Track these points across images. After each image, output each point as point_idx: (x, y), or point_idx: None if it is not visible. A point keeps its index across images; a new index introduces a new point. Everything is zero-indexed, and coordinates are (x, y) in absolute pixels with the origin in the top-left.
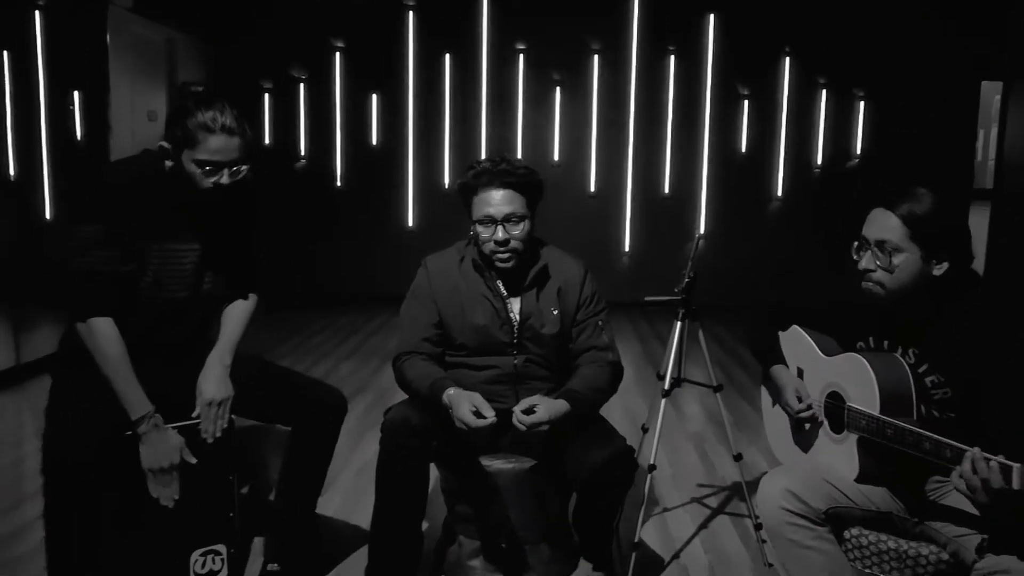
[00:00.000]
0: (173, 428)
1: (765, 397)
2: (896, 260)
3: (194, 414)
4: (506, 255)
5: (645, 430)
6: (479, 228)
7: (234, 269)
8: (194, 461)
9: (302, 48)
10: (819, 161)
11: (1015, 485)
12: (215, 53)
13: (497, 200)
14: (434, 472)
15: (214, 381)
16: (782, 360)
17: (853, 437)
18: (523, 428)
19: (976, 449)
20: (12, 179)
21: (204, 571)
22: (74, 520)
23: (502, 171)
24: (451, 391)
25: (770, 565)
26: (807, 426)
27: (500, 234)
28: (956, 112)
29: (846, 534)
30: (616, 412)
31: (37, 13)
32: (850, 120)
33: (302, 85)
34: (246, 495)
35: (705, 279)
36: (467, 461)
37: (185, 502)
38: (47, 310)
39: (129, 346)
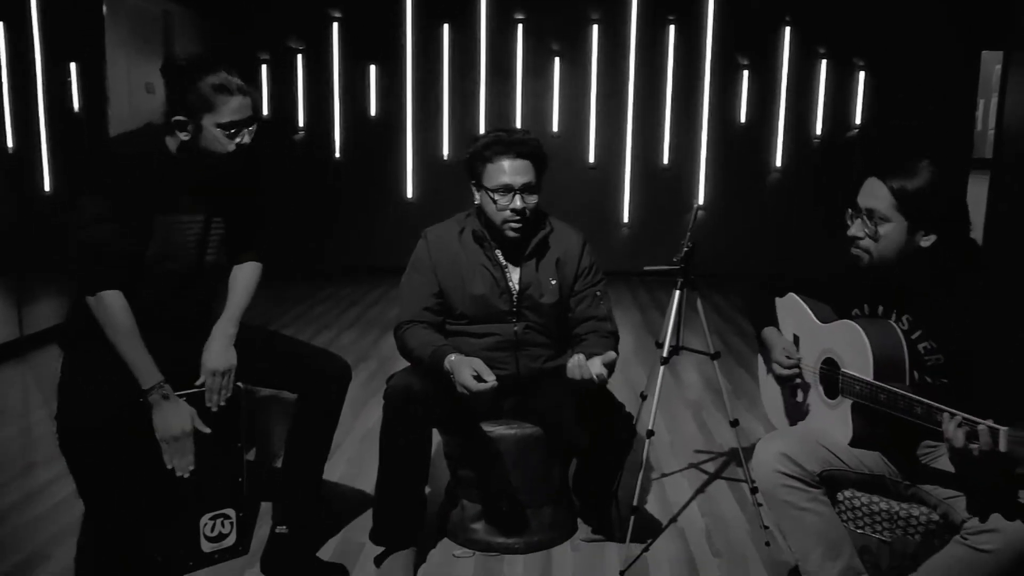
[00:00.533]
0: (181, 396)
1: (761, 365)
2: (882, 229)
3: (198, 383)
4: (518, 224)
5: (644, 397)
6: (495, 197)
7: (239, 237)
8: (207, 430)
9: (299, 19)
10: (818, 132)
11: (1002, 448)
12: (211, 25)
13: (514, 169)
14: (437, 437)
15: (217, 351)
16: (774, 322)
17: (847, 402)
18: (580, 377)
19: (963, 415)
20: (10, 151)
21: (214, 534)
22: (108, 488)
23: (517, 140)
24: (452, 357)
25: (766, 527)
26: (801, 394)
27: (518, 203)
28: (956, 82)
29: (839, 496)
30: (615, 380)
31: None
32: (850, 90)
33: (300, 56)
34: (254, 460)
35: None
36: (469, 427)
37: (195, 468)
38: (49, 282)
39: (137, 319)
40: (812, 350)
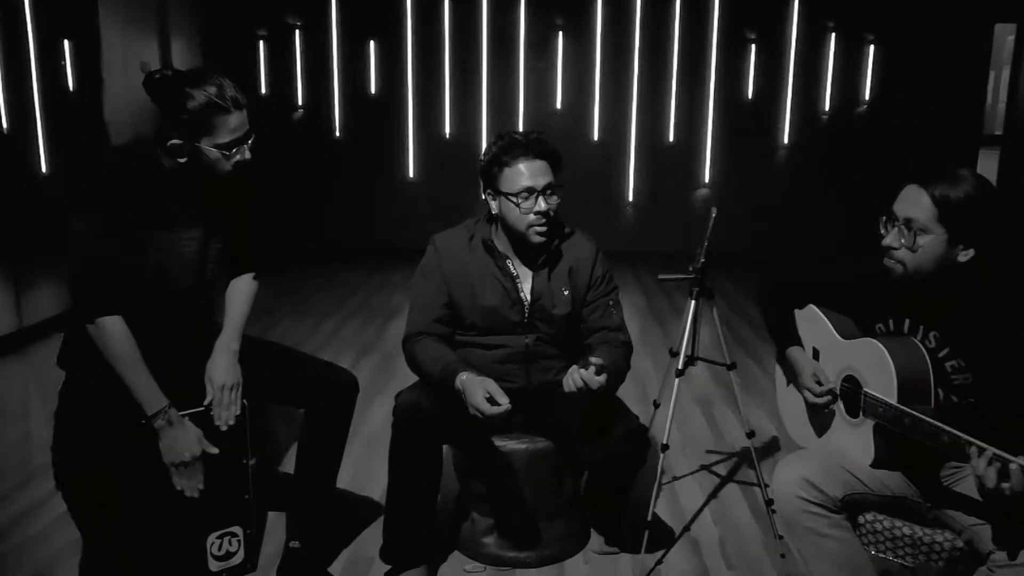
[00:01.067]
0: (186, 416)
1: (779, 375)
2: (921, 240)
3: (206, 401)
4: (544, 227)
5: (657, 405)
6: (518, 201)
7: (236, 251)
8: (215, 451)
9: None
10: (827, 107)
11: None
12: (207, 1)
13: (534, 170)
14: (446, 449)
15: (223, 367)
16: (798, 340)
17: (869, 423)
18: (574, 388)
19: (993, 450)
20: (5, 132)
21: (221, 553)
22: (100, 519)
23: (535, 141)
24: (463, 376)
25: (780, 537)
26: (824, 409)
27: (542, 204)
28: (968, 57)
29: (861, 519)
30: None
31: None
32: (859, 65)
33: (298, 33)
34: (262, 473)
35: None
36: (480, 441)
37: (202, 488)
38: (48, 267)
39: (137, 335)
40: (833, 366)
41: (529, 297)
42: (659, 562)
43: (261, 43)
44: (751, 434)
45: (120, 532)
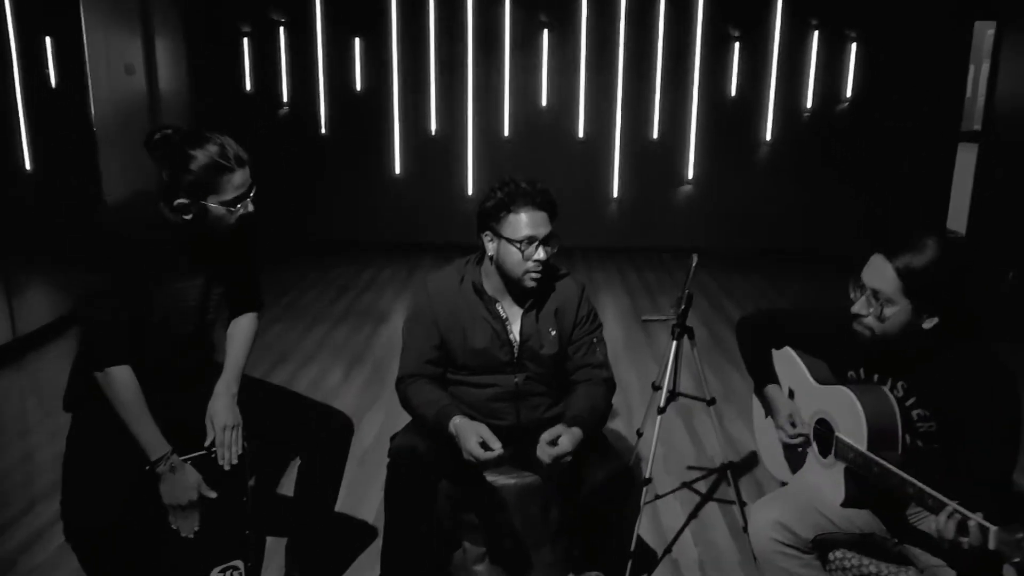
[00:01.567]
0: (188, 461)
1: (757, 409)
2: (888, 311)
3: (207, 443)
4: (539, 274)
5: (640, 434)
6: (522, 248)
7: (237, 291)
8: (213, 495)
9: None
10: (809, 104)
11: (991, 546)
12: None
13: (536, 221)
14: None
15: (223, 409)
16: (775, 379)
17: (841, 465)
18: (548, 462)
19: (955, 503)
20: None
21: None
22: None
23: (541, 192)
24: (457, 420)
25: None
26: (797, 448)
27: (542, 254)
28: (948, 53)
29: (831, 555)
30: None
31: None
32: (842, 62)
33: (282, 29)
34: (261, 499)
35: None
36: (472, 477)
37: (204, 524)
38: (38, 274)
39: (141, 378)
40: (807, 407)
41: (518, 338)
42: None
43: (245, 40)
44: (729, 464)
45: (127, 570)
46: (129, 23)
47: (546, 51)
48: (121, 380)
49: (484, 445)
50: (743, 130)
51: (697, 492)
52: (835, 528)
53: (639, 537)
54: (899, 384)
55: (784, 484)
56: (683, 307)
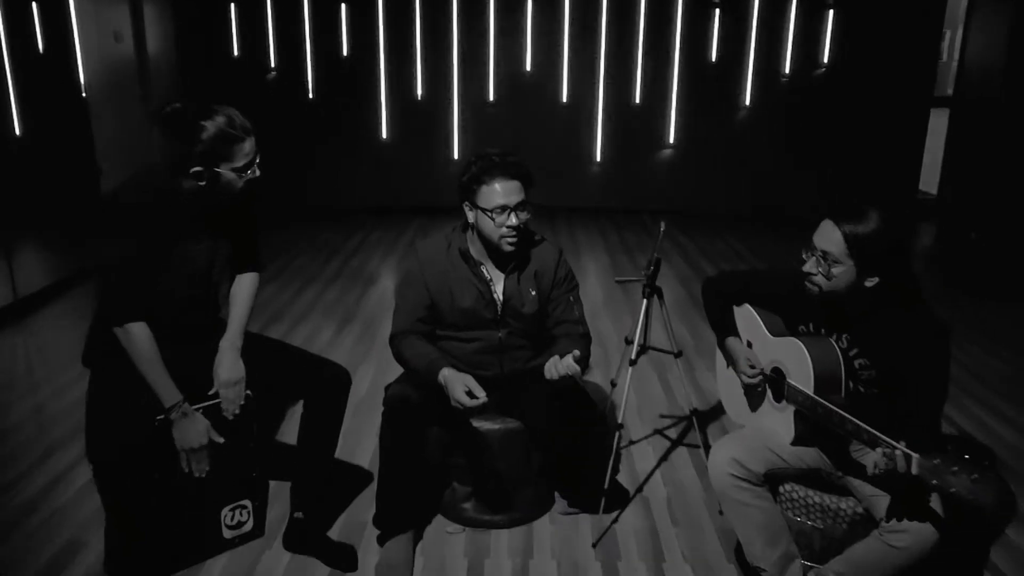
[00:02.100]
0: (198, 410)
1: (719, 361)
2: (835, 270)
3: (211, 392)
4: (514, 239)
5: (614, 384)
6: (493, 216)
7: (240, 251)
8: (221, 441)
9: None
10: (787, 70)
11: (913, 471)
12: None
13: (508, 190)
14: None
15: (228, 365)
16: (735, 332)
17: (791, 408)
18: (556, 377)
19: (884, 438)
20: None
21: (233, 523)
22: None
23: (511, 163)
24: (446, 372)
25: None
26: (757, 388)
27: (514, 220)
28: (923, 20)
29: (781, 488)
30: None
31: None
32: (819, 29)
33: None
34: (266, 452)
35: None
36: (459, 423)
37: (215, 468)
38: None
39: (154, 334)
40: (763, 357)
41: (501, 298)
42: (614, 521)
43: (232, 5)
44: (693, 411)
45: (146, 508)
46: None
47: (530, 17)
48: (139, 335)
49: (470, 393)
50: (723, 95)
51: (668, 438)
52: (785, 464)
53: (614, 478)
54: (844, 336)
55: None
56: (652, 269)
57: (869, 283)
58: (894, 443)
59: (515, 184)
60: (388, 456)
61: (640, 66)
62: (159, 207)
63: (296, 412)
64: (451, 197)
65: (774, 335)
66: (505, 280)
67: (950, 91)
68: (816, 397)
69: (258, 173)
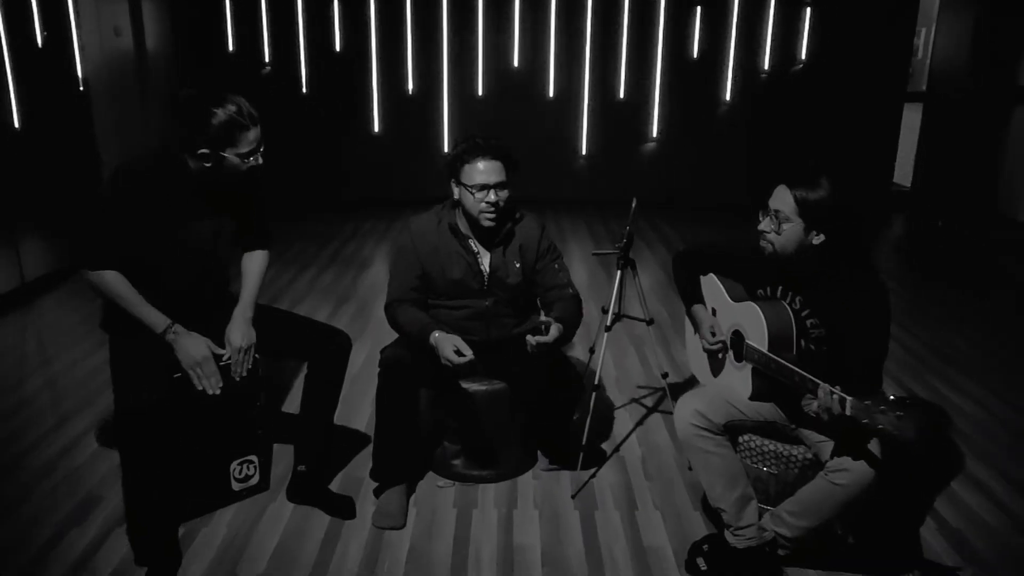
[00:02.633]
0: None
1: (687, 328)
2: (785, 227)
3: (224, 357)
4: (492, 215)
5: (592, 351)
6: (474, 192)
7: (248, 230)
8: (222, 352)
9: None
10: (766, 66)
11: (848, 412)
12: None
13: (489, 169)
14: (423, 390)
15: (239, 331)
16: (701, 300)
17: (749, 367)
18: (534, 345)
19: (825, 385)
20: None
21: (241, 476)
22: (147, 452)
23: (493, 145)
24: (436, 334)
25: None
26: (719, 354)
27: (492, 197)
28: (897, 18)
29: (740, 439)
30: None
31: None
32: (797, 26)
33: None
34: (271, 412)
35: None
36: (450, 385)
37: (223, 425)
38: (42, 224)
39: (165, 307)
40: (725, 321)
41: (488, 269)
42: (592, 476)
43: (227, 1)
44: (665, 375)
45: (161, 462)
46: None
47: (518, 14)
48: (112, 279)
49: (459, 352)
50: (704, 90)
51: (644, 406)
52: (744, 416)
53: (592, 440)
54: (796, 298)
55: None
56: (625, 242)
57: (816, 240)
58: (831, 388)
59: (496, 164)
60: (384, 412)
61: (624, 62)
62: (162, 178)
63: (298, 388)
64: (441, 189)
65: (735, 300)
66: (492, 253)
67: (924, 87)
68: (770, 354)
69: (261, 161)
